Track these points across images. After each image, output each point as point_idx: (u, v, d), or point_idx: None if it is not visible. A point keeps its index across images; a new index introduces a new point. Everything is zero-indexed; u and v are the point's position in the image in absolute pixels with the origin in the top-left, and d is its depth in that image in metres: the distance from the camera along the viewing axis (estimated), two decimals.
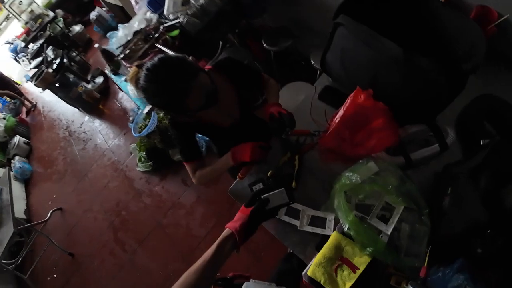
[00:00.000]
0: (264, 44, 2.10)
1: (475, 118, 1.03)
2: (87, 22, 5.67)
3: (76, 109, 4.14)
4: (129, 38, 1.92)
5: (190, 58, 0.96)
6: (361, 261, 0.87)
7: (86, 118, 4.02)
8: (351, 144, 1.05)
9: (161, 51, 1.65)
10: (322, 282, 0.86)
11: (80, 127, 4.01)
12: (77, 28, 5.35)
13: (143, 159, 2.80)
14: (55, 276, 2.94)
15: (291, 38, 2.03)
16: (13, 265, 2.93)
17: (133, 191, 2.87)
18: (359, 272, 0.85)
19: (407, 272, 0.85)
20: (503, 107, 1.04)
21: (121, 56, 1.81)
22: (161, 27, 1.79)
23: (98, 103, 3.97)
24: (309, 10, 1.97)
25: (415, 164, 1.01)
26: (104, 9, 4.99)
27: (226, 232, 0.77)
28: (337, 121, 1.03)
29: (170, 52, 1.60)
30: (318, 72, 1.89)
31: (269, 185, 1.11)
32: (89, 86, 3.97)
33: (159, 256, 2.43)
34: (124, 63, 1.78)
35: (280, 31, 2.11)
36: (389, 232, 0.89)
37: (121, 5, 3.71)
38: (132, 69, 0.98)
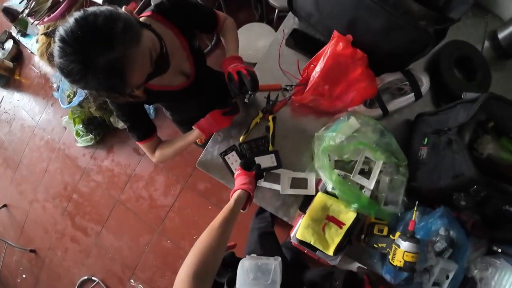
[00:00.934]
0: None
1: (446, 64, 1.02)
2: None
3: None
4: None
5: (123, 8, 0.67)
6: (347, 217, 0.89)
7: (4, 94, 3.28)
8: (329, 98, 0.97)
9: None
10: (312, 243, 0.87)
11: None
12: None
13: (81, 133, 2.43)
14: (24, 276, 2.75)
15: None
16: None
17: (79, 171, 2.56)
18: (345, 227, 0.87)
19: (388, 219, 0.90)
20: (472, 53, 1.04)
21: (26, 12, 1.37)
22: None
23: (13, 74, 3.21)
24: None
25: (390, 114, 0.99)
26: None
27: (241, 193, 0.83)
28: (316, 75, 0.92)
29: None
30: (276, 11, 1.67)
31: (245, 154, 1.03)
32: None
33: (127, 233, 2.32)
34: (32, 21, 1.36)
35: None
36: (371, 187, 0.89)
37: None
38: (40, 40, 0.66)
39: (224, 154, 1.04)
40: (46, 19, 1.30)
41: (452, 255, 0.88)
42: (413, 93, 0.97)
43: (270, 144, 1.02)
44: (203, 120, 0.95)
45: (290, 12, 1.14)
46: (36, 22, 1.35)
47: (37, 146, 2.82)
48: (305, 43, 1.10)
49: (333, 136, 0.88)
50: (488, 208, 0.70)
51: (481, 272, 0.92)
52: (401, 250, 0.75)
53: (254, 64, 1.16)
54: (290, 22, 1.15)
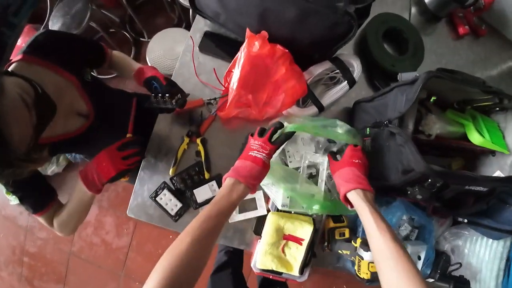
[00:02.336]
0: None
1: (374, 41, 0.94)
2: None
3: None
4: None
5: None
6: (304, 232, 0.79)
7: None
8: (257, 106, 0.84)
9: None
10: (275, 268, 0.79)
11: None
12: None
13: (9, 191, 2.09)
14: None
15: None
16: None
17: (22, 231, 2.25)
18: (305, 242, 0.78)
19: (347, 221, 0.85)
20: (399, 23, 0.98)
21: None
22: None
23: None
24: None
25: (327, 108, 0.90)
26: None
27: (244, 188, 0.60)
28: (234, 86, 0.79)
29: None
30: (191, 12, 1.50)
31: (179, 189, 0.87)
32: None
33: (92, 284, 2.08)
34: None
35: None
36: (322, 190, 0.79)
37: None
38: None
39: (154, 196, 0.88)
40: None
41: (418, 236, 0.86)
42: (346, 81, 0.88)
43: (206, 171, 0.88)
44: (90, 164, 0.74)
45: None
46: None
47: None
48: (221, 46, 0.96)
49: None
50: (447, 193, 0.63)
51: (451, 244, 0.92)
52: (365, 262, 0.69)
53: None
54: (200, 25, 1.00)
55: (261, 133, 0.67)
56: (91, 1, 1.59)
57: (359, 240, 0.73)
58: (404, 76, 0.73)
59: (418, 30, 0.99)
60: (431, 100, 0.73)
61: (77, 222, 0.83)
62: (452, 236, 0.91)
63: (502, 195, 0.75)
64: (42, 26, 1.73)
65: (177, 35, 1.40)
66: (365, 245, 0.69)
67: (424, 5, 1.05)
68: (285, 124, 0.74)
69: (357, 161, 0.67)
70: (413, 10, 1.08)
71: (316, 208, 0.73)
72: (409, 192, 0.64)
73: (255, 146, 0.64)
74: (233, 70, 0.83)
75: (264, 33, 0.77)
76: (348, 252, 0.76)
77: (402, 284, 0.44)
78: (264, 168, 0.62)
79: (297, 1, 0.69)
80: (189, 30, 1.01)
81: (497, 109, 0.76)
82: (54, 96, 0.63)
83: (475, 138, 0.72)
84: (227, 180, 0.61)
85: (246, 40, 0.76)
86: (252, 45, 0.76)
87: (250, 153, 0.63)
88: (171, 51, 1.36)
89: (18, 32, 1.28)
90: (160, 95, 0.76)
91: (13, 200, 2.16)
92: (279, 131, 0.68)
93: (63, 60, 0.73)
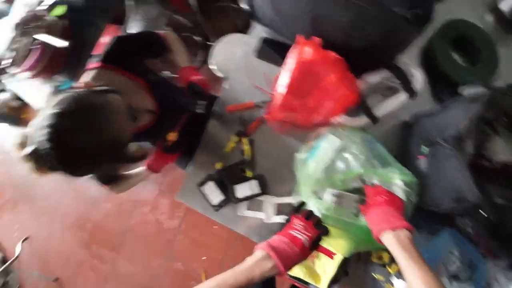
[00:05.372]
0: None
1: (442, 50, 0.86)
2: None
3: (6, 126, 3.53)
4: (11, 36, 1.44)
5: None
6: (338, 247, 0.76)
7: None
8: (304, 111, 0.84)
9: (47, 45, 1.24)
10: (302, 277, 0.78)
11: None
12: None
13: None
14: None
15: None
16: None
17: (90, 199, 2.61)
18: (337, 258, 0.75)
19: None
20: (471, 31, 0.88)
21: (7, 65, 1.36)
22: (42, 8, 1.34)
23: (19, 112, 3.37)
24: None
25: (383, 119, 0.85)
26: None
27: (271, 267, 0.54)
28: (280, 90, 0.81)
29: (55, 40, 1.21)
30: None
31: (223, 182, 0.94)
32: (4, 96, 3.30)
33: (139, 258, 2.33)
34: (14, 70, 1.35)
35: None
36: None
37: None
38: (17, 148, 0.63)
39: (200, 184, 0.95)
40: (24, 69, 1.28)
41: (469, 276, 0.74)
42: (404, 91, 0.82)
43: (249, 169, 0.92)
44: (150, 160, 0.99)
45: None
46: (19, 71, 1.33)
47: (51, 179, 2.89)
48: (277, 52, 0.98)
49: (315, 165, 0.77)
50: (506, 230, 0.56)
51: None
52: None
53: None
54: (259, 31, 1.04)
55: (307, 216, 0.63)
56: (166, 7, 1.77)
57: (395, 267, 0.68)
58: (466, 91, 0.65)
59: (492, 40, 0.87)
60: (500, 123, 0.64)
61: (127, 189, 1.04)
62: (509, 281, 0.78)
63: None
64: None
65: (240, 40, 1.48)
66: (400, 274, 0.64)
67: (500, 12, 0.92)
68: (333, 137, 0.74)
69: (382, 197, 0.62)
70: (488, 17, 0.96)
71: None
72: (459, 224, 0.58)
73: (298, 226, 0.60)
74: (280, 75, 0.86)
75: (316, 39, 0.76)
76: (382, 278, 0.72)
77: None
78: (301, 251, 0.57)
79: (351, 6, 0.67)
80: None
81: None
82: (129, 98, 0.73)
83: None
84: (257, 252, 0.57)
85: (297, 46, 0.77)
86: (302, 51, 0.76)
87: (290, 231, 0.59)
88: (233, 55, 1.44)
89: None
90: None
91: None
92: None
93: (131, 64, 0.83)
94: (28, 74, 1.34)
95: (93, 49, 1.41)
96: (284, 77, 0.79)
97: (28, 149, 0.57)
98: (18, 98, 3.36)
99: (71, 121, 0.56)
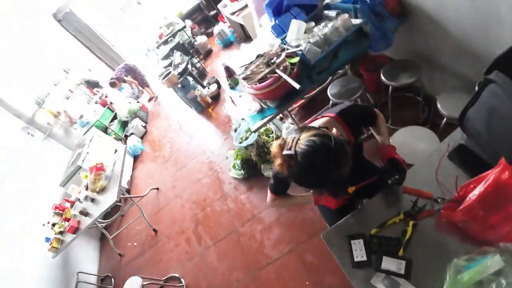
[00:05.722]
0: (383, 78, 1.96)
1: None
2: (210, 34, 6.62)
3: (190, 108, 4.76)
4: (251, 59, 2.10)
5: (334, 131, 0.96)
6: None
7: (196, 117, 4.60)
8: (483, 225, 0.88)
9: (280, 77, 1.73)
10: None
11: (190, 124, 4.62)
12: (200, 38, 6.19)
13: (236, 167, 3.00)
14: (135, 244, 3.39)
15: (416, 75, 1.84)
16: (103, 224, 3.53)
17: (221, 192, 3.08)
18: None
19: None
20: None
21: (242, 76, 1.98)
22: (283, 54, 1.88)
23: (208, 107, 4.49)
24: (442, 45, 1.76)
25: None
26: (226, 24, 5.66)
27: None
28: (473, 197, 0.88)
29: (289, 79, 1.66)
30: (444, 119, 1.65)
31: (371, 248, 1.04)
32: (204, 90, 4.52)
33: (228, 261, 2.52)
34: (244, 83, 1.94)
35: (402, 65, 1.96)
36: None
37: (242, 23, 4.12)
38: (275, 146, 0.91)
39: (351, 237, 1.08)
40: (254, 86, 1.82)
41: None
42: None
43: (402, 249, 0.99)
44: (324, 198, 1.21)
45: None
46: (246, 85, 1.91)
47: (202, 161, 3.66)
48: (469, 161, 1.07)
49: (468, 277, 0.80)
50: None
51: None
52: None
53: (408, 165, 1.20)
54: (458, 137, 1.15)
55: None
56: (363, 83, 2.08)
57: None
58: None
59: None
60: None
61: (284, 207, 1.26)
62: None
63: None
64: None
65: (425, 134, 1.59)
66: None
67: None
68: (498, 259, 0.74)
69: None
70: None
71: None
72: None
73: None
74: (472, 185, 0.92)
75: None
76: None
77: None
78: None
79: None
80: (434, 132, 1.25)
81: None
82: None
83: None
84: None
85: (499, 167, 0.84)
86: (503, 173, 0.83)
87: None
88: (413, 144, 1.57)
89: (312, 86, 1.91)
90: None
91: (233, 173, 3.03)
92: None
93: (353, 125, 1.09)
94: (252, 90, 1.86)
95: (301, 97, 1.84)
96: (479, 186, 0.86)
97: (288, 152, 0.84)
98: (212, 97, 4.50)
99: (326, 152, 0.81)
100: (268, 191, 1.24)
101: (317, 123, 1.06)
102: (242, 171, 2.94)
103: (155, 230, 3.30)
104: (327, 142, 0.81)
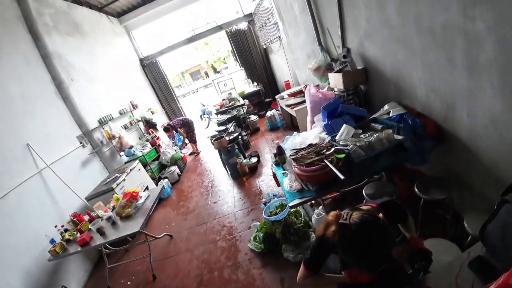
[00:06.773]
0: (416, 190, 2.12)
1: None
2: (261, 115, 7.59)
3: (226, 171, 5.11)
4: (302, 146, 2.47)
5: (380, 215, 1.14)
6: None
7: (230, 181, 4.89)
8: None
9: (327, 166, 2.03)
10: None
11: (221, 186, 4.87)
12: (253, 117, 7.29)
13: (258, 239, 3.00)
14: (128, 283, 3.25)
15: (447, 192, 2.00)
16: (107, 251, 3.52)
17: (234, 260, 3.00)
18: None
19: None
20: None
21: (292, 156, 2.32)
22: (333, 148, 2.24)
23: (243, 175, 4.81)
24: (472, 169, 1.97)
25: None
26: (277, 111, 6.50)
27: None
28: None
29: (335, 170, 1.95)
30: (469, 237, 1.76)
31: None
32: (244, 160, 4.97)
33: None
34: (293, 163, 2.26)
35: (435, 181, 2.14)
36: None
37: (294, 115, 4.77)
38: (331, 215, 1.11)
39: None
40: (302, 168, 2.14)
41: None
42: None
43: None
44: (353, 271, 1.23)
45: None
46: (294, 165, 2.23)
47: (223, 224, 3.72)
48: (484, 270, 1.18)
49: None
50: None
51: None
52: None
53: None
54: (478, 248, 1.28)
55: None
56: (395, 188, 2.29)
57: None
58: None
59: None
60: None
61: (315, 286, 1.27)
62: None
63: None
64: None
65: (449, 248, 1.70)
66: None
67: None
68: None
69: None
70: None
71: None
72: None
73: None
74: None
75: None
76: None
77: None
78: None
79: None
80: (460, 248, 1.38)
81: None
82: None
83: None
84: None
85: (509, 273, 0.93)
86: (510, 279, 0.92)
87: None
88: (436, 255, 1.66)
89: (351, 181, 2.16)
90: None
91: (251, 244, 3.04)
92: None
93: (389, 217, 1.25)
94: (299, 171, 2.16)
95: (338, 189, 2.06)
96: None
97: (344, 221, 1.04)
98: (250, 168, 4.82)
99: (375, 226, 1.01)
100: (302, 266, 1.28)
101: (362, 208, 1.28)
102: (262, 245, 2.92)
103: (154, 276, 3.17)
104: (377, 219, 1.03)
